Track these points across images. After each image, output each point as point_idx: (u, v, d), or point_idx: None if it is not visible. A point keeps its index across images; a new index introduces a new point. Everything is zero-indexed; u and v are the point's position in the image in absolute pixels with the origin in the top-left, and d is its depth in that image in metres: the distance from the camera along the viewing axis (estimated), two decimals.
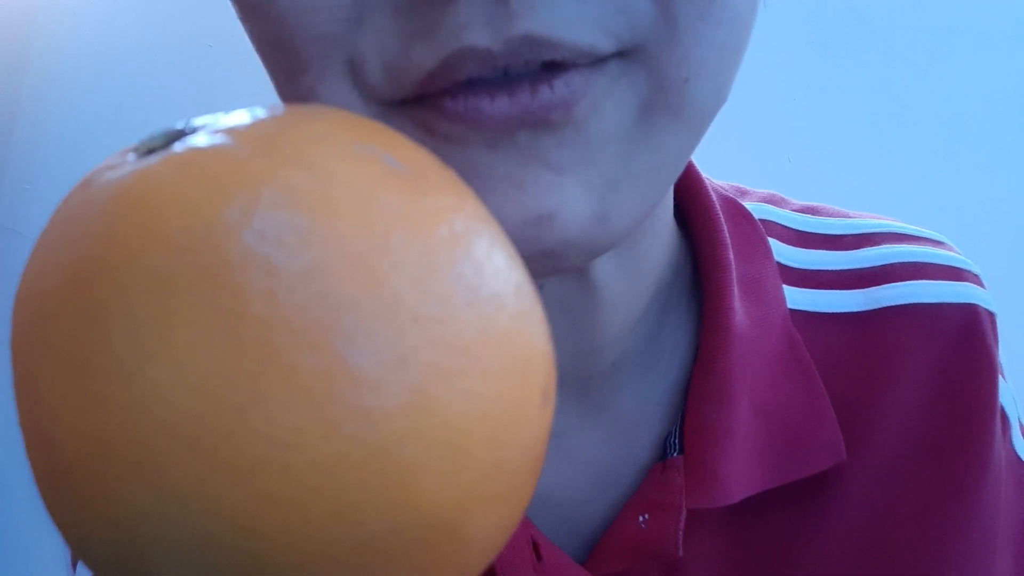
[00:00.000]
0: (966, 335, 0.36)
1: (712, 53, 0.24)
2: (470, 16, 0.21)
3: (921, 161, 1.00)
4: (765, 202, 0.41)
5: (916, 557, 0.35)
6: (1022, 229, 0.99)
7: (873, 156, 1.00)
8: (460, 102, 0.23)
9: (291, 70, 0.24)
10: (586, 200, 0.24)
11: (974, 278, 0.38)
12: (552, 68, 0.23)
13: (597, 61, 0.23)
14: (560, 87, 0.22)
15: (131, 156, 0.17)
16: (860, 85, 1.00)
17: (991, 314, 0.37)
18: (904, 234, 0.39)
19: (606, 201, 0.24)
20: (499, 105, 0.22)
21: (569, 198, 0.23)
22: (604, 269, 0.32)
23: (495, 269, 0.17)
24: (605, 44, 0.22)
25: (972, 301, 0.37)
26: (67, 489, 0.16)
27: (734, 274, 0.35)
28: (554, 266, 0.24)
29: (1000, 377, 0.37)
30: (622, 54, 0.23)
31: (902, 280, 0.37)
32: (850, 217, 0.40)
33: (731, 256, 0.36)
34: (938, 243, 0.39)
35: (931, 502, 0.36)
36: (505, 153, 0.23)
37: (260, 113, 0.18)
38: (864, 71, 1.00)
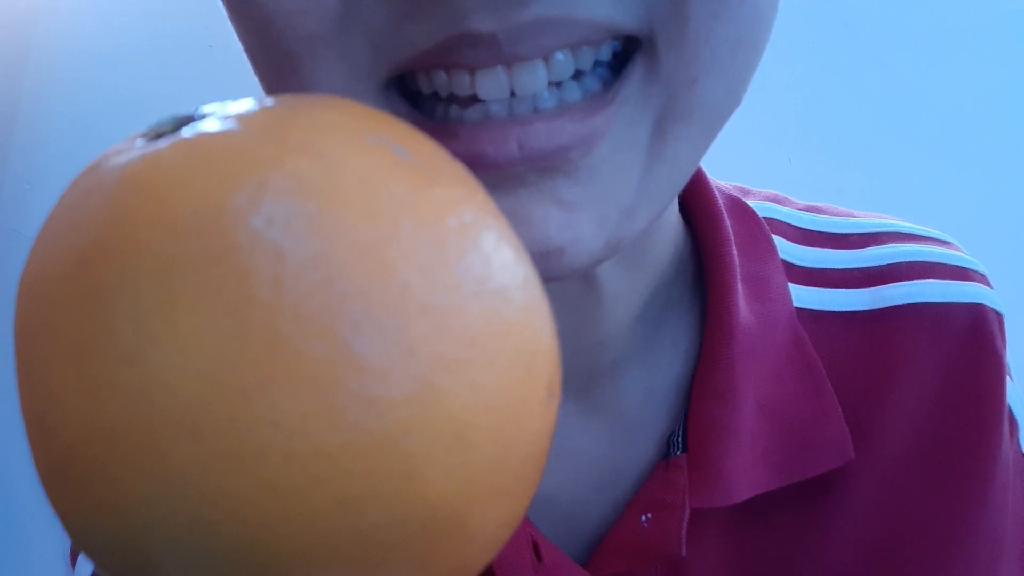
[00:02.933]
0: (973, 335, 0.36)
1: (724, 51, 0.23)
2: (471, 1, 0.21)
3: (922, 161, 1.00)
4: (769, 201, 0.40)
5: (923, 558, 0.35)
6: None
7: (874, 156, 1.00)
8: (464, 143, 0.22)
9: (282, 70, 0.23)
10: (600, 232, 0.23)
11: (981, 278, 0.38)
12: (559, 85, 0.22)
13: (625, 45, 0.22)
14: (579, 122, 0.22)
15: (140, 141, 0.17)
16: (861, 85, 1.00)
17: (998, 314, 0.37)
18: (910, 233, 0.39)
19: (621, 229, 0.24)
20: (505, 152, 0.22)
21: (581, 234, 0.23)
22: (605, 267, 0.31)
23: (503, 262, 0.17)
24: (623, 19, 0.22)
25: (979, 301, 0.36)
26: (68, 474, 0.15)
27: (738, 270, 0.35)
28: (557, 280, 0.24)
29: (1008, 377, 0.37)
30: (640, 46, 0.23)
31: (909, 279, 0.37)
32: (855, 216, 0.40)
33: (735, 252, 0.35)
34: (944, 243, 0.39)
35: (938, 503, 0.35)
36: (510, 191, 0.23)
37: (269, 101, 0.17)
38: (865, 71, 1.00)
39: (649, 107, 0.23)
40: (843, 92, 1.00)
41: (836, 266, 0.38)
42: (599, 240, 0.23)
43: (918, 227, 0.40)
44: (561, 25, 0.21)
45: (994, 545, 0.36)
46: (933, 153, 1.00)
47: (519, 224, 0.22)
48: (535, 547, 0.34)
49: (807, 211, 0.40)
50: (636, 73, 0.23)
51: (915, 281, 0.37)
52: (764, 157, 0.95)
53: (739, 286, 0.35)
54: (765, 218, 0.38)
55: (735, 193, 0.39)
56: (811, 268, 0.38)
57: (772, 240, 0.37)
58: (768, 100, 0.96)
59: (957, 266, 0.37)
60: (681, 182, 0.26)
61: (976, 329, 0.36)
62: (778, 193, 0.42)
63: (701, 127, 0.24)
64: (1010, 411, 0.37)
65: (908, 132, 1.00)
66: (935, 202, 0.98)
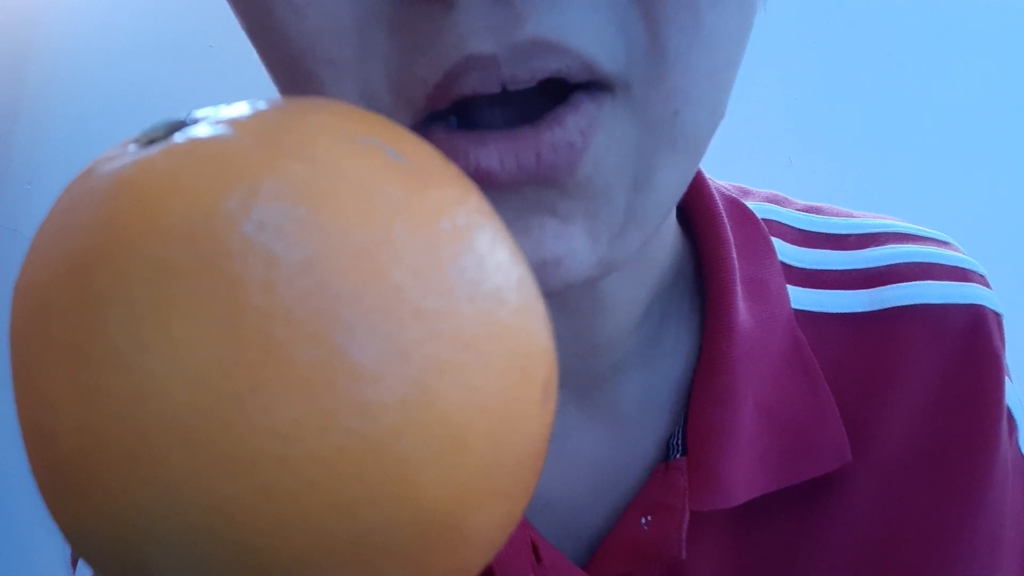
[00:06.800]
0: (972, 336, 0.36)
1: (702, 80, 0.23)
2: (471, 24, 0.21)
3: (922, 161, 1.00)
4: (768, 202, 0.40)
5: (921, 559, 0.35)
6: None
7: (874, 157, 1.00)
8: (472, 163, 0.22)
9: (303, 89, 0.23)
10: (593, 248, 0.24)
11: (980, 279, 0.38)
12: (555, 93, 0.22)
13: (594, 85, 0.23)
14: (562, 137, 0.22)
15: (132, 147, 0.17)
16: (861, 85, 1.00)
17: (997, 315, 0.37)
18: (909, 234, 0.39)
19: (612, 249, 0.24)
20: (507, 168, 0.22)
21: (576, 245, 0.23)
22: None
23: (497, 264, 0.17)
24: (603, 58, 0.22)
25: (978, 302, 0.36)
26: (64, 481, 0.15)
27: (737, 274, 0.35)
28: (555, 294, 0.24)
29: (1006, 378, 0.37)
30: (612, 90, 0.23)
31: (908, 280, 0.37)
32: (854, 217, 0.40)
33: (734, 256, 0.35)
34: (943, 243, 0.39)
35: (937, 504, 0.35)
36: (509, 204, 0.23)
37: (262, 104, 0.17)
38: (865, 71, 0.99)
39: (627, 137, 0.23)
40: (843, 92, 1.00)
41: (834, 267, 0.38)
42: (592, 256, 0.24)
43: (917, 227, 0.40)
44: (553, 51, 0.22)
45: (993, 546, 0.36)
46: (934, 153, 1.00)
47: (517, 235, 0.23)
48: (534, 548, 0.34)
49: (806, 212, 0.40)
50: (607, 103, 0.23)
51: (914, 282, 0.37)
52: (764, 157, 0.95)
53: (738, 290, 0.35)
54: (764, 220, 0.38)
55: (735, 194, 0.39)
56: (809, 270, 0.38)
57: (771, 243, 0.37)
58: (768, 100, 0.96)
59: (956, 267, 0.37)
60: (671, 204, 0.26)
61: (975, 330, 0.36)
62: (777, 193, 0.42)
63: (687, 152, 0.25)
64: (1009, 412, 0.37)
65: (909, 132, 1.00)
66: (936, 202, 0.98)
